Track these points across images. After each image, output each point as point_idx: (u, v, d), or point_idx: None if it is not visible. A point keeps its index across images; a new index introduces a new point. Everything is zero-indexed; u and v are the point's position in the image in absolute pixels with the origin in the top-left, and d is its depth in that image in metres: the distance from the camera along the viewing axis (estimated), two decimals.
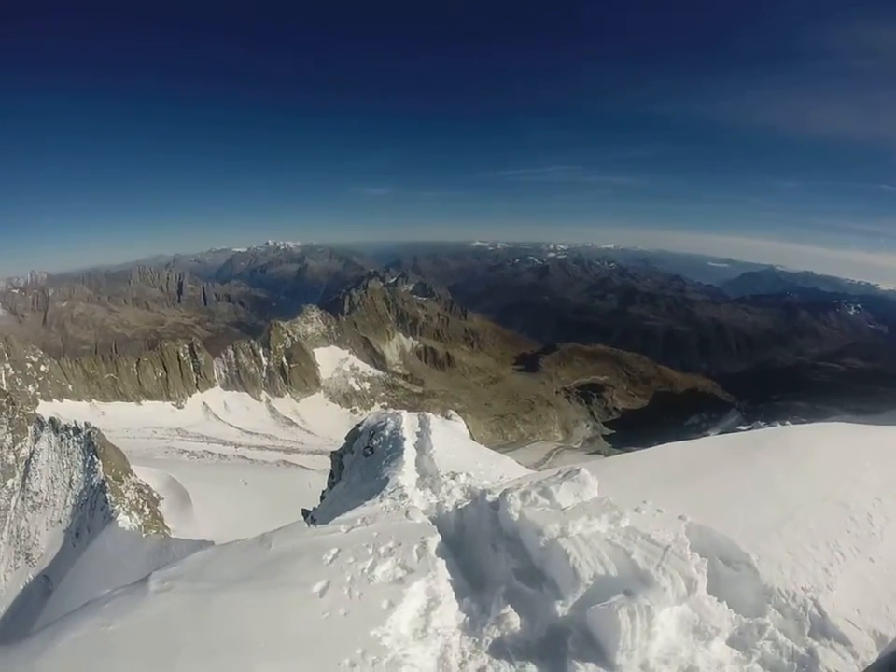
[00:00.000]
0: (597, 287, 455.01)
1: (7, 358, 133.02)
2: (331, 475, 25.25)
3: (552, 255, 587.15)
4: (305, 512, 23.71)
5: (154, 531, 48.45)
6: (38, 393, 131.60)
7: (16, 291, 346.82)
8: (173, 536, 46.61)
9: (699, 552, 6.89)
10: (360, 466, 20.33)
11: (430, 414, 22.62)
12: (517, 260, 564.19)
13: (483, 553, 8.34)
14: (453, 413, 29.83)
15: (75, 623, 7.11)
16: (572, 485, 8.31)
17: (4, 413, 73.07)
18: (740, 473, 9.99)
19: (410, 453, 16.93)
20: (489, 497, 9.05)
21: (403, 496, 12.14)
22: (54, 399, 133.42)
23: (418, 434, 19.44)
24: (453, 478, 13.07)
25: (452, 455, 16.63)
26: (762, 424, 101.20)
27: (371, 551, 8.19)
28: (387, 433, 20.64)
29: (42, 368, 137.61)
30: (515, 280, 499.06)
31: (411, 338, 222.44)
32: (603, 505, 7.67)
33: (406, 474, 14.59)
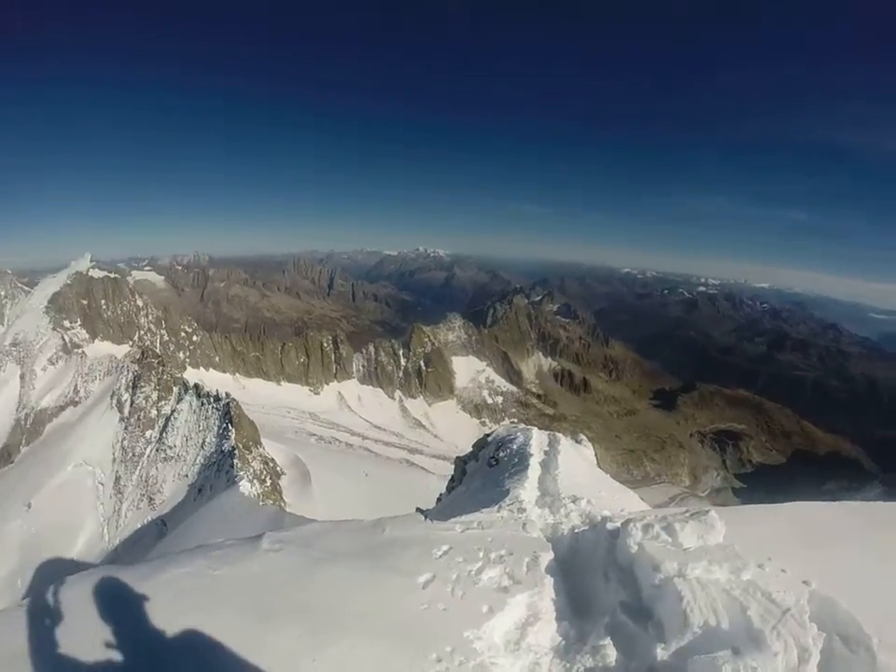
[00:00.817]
0: (746, 328, 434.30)
1: (164, 326, 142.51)
2: (452, 479, 24.97)
3: (702, 289, 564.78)
4: (420, 511, 23.41)
5: (271, 502, 49.38)
6: (187, 360, 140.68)
7: (179, 268, 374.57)
8: (288, 510, 47.39)
9: (818, 623, 5.96)
10: (483, 474, 19.94)
11: (561, 436, 21.61)
12: (666, 291, 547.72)
13: (593, 580, 7.99)
14: (583, 437, 28.90)
15: (185, 560, 7.94)
16: (698, 526, 7.67)
17: (154, 373, 78.21)
18: (878, 547, 9.08)
19: (534, 469, 16.37)
20: (609, 526, 8.77)
21: (521, 509, 11.83)
22: (201, 368, 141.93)
23: (545, 453, 18.73)
24: (573, 501, 12.33)
25: (576, 479, 15.75)
26: None
27: (481, 554, 8.27)
28: (515, 447, 20.14)
29: (194, 338, 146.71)
30: (662, 311, 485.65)
31: (549, 358, 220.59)
32: (726, 552, 7.13)
33: (527, 490, 14.08)
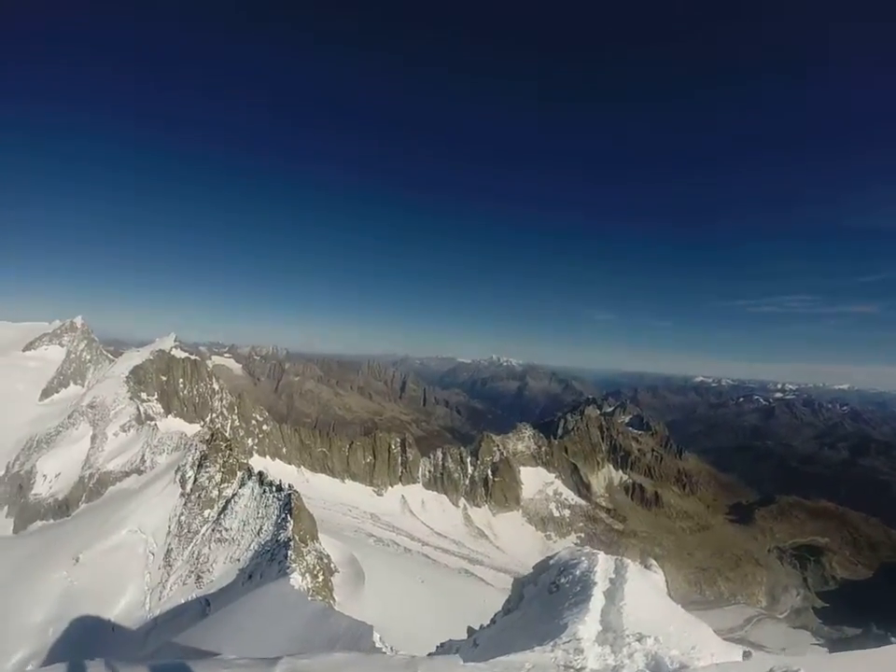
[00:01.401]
0: (827, 434, 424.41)
1: (237, 411, 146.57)
2: (508, 601, 23.14)
3: (779, 395, 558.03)
4: (471, 631, 22.67)
5: (321, 598, 48.08)
6: (255, 447, 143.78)
7: (258, 358, 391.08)
8: (337, 608, 45.63)
9: None
10: (542, 601, 18.66)
11: (629, 561, 19.89)
12: (741, 399, 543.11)
13: None
14: (653, 562, 28.25)
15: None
16: None
17: (220, 455, 79.50)
18: None
19: (597, 601, 15.28)
20: None
21: (579, 650, 10.86)
22: (267, 457, 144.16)
23: (611, 581, 17.50)
24: (638, 640, 11.57)
25: (642, 612, 14.42)
26: None
27: None
28: (578, 573, 18.82)
29: (264, 427, 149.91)
30: (737, 420, 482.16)
31: (620, 471, 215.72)
32: None
33: (588, 624, 12.94)
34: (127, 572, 66.59)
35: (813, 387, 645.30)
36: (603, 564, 19.24)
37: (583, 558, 20.28)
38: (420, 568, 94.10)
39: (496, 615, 22.84)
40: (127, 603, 62.62)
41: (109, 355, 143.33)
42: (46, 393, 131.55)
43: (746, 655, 14.15)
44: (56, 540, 73.24)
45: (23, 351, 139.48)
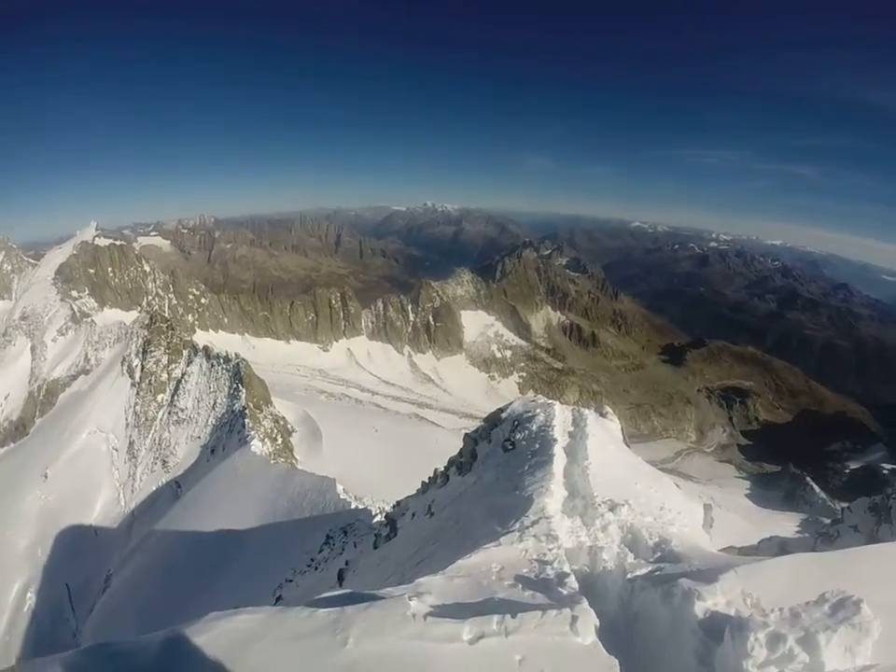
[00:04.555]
0: (757, 285, 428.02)
1: (172, 290, 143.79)
2: (461, 454, 20.98)
3: (713, 244, 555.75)
4: (425, 486, 22.57)
5: (283, 460, 50.27)
6: (196, 322, 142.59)
7: (185, 231, 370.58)
8: (299, 467, 47.88)
9: None
10: (497, 463, 16.66)
11: (587, 412, 18.20)
12: (676, 246, 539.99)
13: None
14: (608, 410, 24.56)
15: None
16: (848, 634, 4.74)
17: (163, 337, 78.80)
18: None
19: (559, 461, 13.69)
20: (699, 608, 5.48)
21: (551, 536, 8.86)
22: (210, 330, 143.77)
23: (570, 434, 15.86)
24: (611, 509, 10.39)
25: (608, 470, 13.24)
26: None
27: None
28: (534, 428, 16.79)
29: (202, 301, 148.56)
30: (672, 266, 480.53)
31: (558, 312, 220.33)
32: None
33: (554, 494, 11.41)
34: (96, 474, 67.57)
35: (747, 240, 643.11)
36: (560, 416, 17.46)
37: (538, 410, 18.25)
38: (373, 418, 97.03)
39: (448, 469, 21.46)
40: (102, 504, 64.02)
41: (31, 259, 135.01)
42: None
43: (707, 509, 14.97)
44: (21, 463, 72.96)
45: None
